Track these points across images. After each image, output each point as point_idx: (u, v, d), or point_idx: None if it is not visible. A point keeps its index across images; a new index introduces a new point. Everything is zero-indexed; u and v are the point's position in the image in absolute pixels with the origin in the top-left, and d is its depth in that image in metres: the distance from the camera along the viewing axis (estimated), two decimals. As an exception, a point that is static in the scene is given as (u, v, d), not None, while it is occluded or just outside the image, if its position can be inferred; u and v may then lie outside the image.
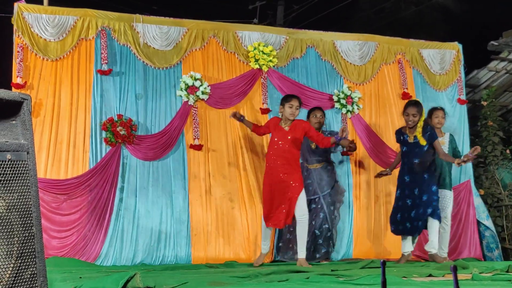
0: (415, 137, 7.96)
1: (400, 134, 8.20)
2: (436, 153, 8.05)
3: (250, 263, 8.20)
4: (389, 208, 9.35)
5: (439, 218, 7.93)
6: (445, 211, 8.39)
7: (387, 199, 9.53)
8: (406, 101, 9.78)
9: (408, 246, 8.14)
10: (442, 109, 8.87)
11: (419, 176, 7.93)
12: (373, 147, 9.62)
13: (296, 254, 7.71)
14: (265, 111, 9.18)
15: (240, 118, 7.97)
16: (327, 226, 8.52)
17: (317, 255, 8.53)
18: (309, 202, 8.27)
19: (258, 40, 9.28)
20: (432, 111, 8.78)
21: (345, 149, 8.76)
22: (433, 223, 7.90)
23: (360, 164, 9.58)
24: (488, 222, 9.97)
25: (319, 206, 8.46)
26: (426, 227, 8.00)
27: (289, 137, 7.59)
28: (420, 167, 7.93)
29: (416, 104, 8.13)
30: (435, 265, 7.07)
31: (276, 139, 7.67)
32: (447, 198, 8.47)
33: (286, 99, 7.72)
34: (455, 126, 10.15)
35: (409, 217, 7.91)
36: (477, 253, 9.63)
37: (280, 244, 8.66)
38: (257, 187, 8.89)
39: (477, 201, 10.01)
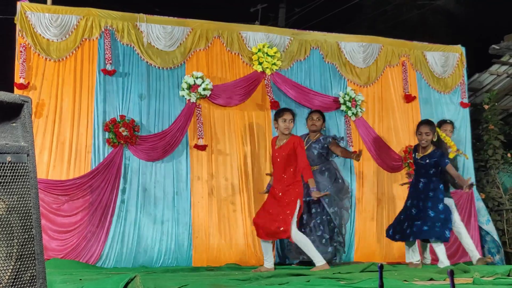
0: (423, 157, 7.93)
1: (414, 152, 8.19)
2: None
3: (251, 266, 8.19)
4: (391, 211, 9.36)
5: (444, 238, 7.85)
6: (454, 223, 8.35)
7: (390, 202, 9.53)
8: (409, 104, 9.83)
9: (416, 255, 8.15)
10: (451, 123, 8.87)
11: (425, 194, 7.90)
12: (376, 150, 9.61)
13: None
14: (274, 104, 9.13)
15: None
16: (333, 225, 8.42)
17: (336, 259, 8.42)
18: (308, 204, 8.18)
19: (263, 41, 9.27)
20: (440, 124, 8.75)
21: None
22: (436, 246, 7.87)
23: (362, 167, 9.56)
24: (488, 227, 9.95)
25: (318, 209, 8.34)
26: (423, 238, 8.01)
27: (279, 158, 7.39)
28: (425, 188, 7.92)
29: (429, 122, 8.07)
30: (436, 269, 7.06)
31: (272, 157, 7.58)
32: (451, 206, 8.43)
33: (278, 113, 7.48)
34: (458, 129, 10.14)
35: (412, 225, 7.87)
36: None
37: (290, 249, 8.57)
38: (259, 190, 8.88)
39: (478, 205, 10.00)
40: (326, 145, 8.43)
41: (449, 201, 8.35)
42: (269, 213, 7.25)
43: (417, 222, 7.79)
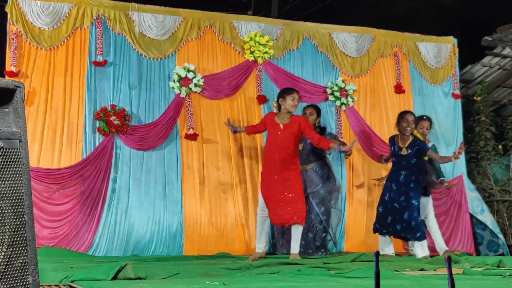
0: (406, 148, 7.96)
1: (392, 143, 8.20)
2: (433, 161, 8.16)
3: (242, 255, 8.20)
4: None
5: (423, 237, 7.93)
6: (428, 217, 8.39)
7: (380, 193, 9.52)
8: (400, 94, 9.82)
9: (391, 248, 8.21)
10: (428, 119, 8.86)
11: (405, 187, 7.94)
12: (366, 141, 9.62)
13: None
14: (261, 99, 9.16)
15: (233, 129, 7.94)
16: (321, 227, 8.43)
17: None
18: None
19: (255, 30, 9.24)
20: (417, 120, 8.76)
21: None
22: (418, 245, 7.93)
23: (353, 158, 9.57)
24: (483, 217, 9.98)
25: (307, 205, 8.31)
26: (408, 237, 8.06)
27: (284, 133, 7.37)
28: (407, 179, 7.95)
29: (412, 112, 8.24)
30: (427, 260, 7.09)
31: (272, 135, 7.46)
32: (429, 204, 8.46)
33: (286, 91, 7.50)
34: (449, 121, 10.17)
35: (401, 219, 7.90)
36: (469, 248, 9.65)
37: (281, 243, 8.59)
38: (250, 179, 8.89)
39: (472, 195, 10.03)
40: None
41: (427, 200, 8.37)
42: (281, 200, 7.33)
43: (404, 217, 7.83)
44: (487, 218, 10.03)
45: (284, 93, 7.50)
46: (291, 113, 7.46)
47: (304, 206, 7.40)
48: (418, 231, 7.81)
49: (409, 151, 7.94)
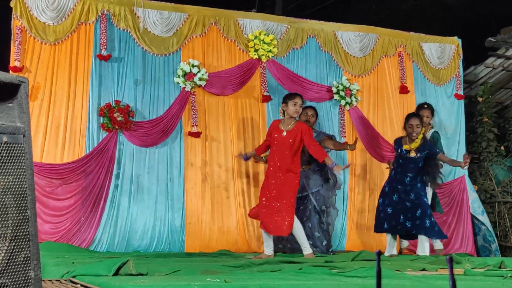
0: (415, 151, 7.89)
1: (398, 145, 8.07)
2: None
3: (243, 253, 8.21)
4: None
5: (436, 235, 7.92)
6: None
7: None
8: (403, 95, 9.81)
9: (395, 248, 8.23)
10: (429, 107, 8.81)
11: (411, 185, 7.91)
12: (369, 141, 9.61)
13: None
14: (266, 98, 9.17)
15: (245, 157, 7.95)
16: (324, 226, 8.40)
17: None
18: (298, 200, 7.97)
19: (259, 28, 9.23)
20: (418, 109, 8.73)
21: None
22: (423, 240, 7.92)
23: (355, 157, 9.57)
24: (483, 218, 9.99)
25: (309, 206, 8.28)
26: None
27: (287, 140, 7.34)
28: (412, 181, 7.92)
29: (418, 115, 8.12)
30: (429, 260, 7.08)
31: (275, 142, 7.42)
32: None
33: (289, 96, 7.47)
34: (452, 121, 10.17)
35: (413, 217, 7.85)
36: (470, 249, 9.65)
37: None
38: (252, 177, 8.91)
39: (473, 196, 10.03)
40: (319, 141, 8.38)
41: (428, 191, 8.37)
42: (273, 208, 7.29)
43: (416, 216, 7.79)
44: (486, 220, 10.03)
45: (286, 98, 7.49)
46: (295, 119, 7.44)
47: (292, 215, 7.32)
48: (434, 228, 7.79)
49: (418, 154, 7.88)
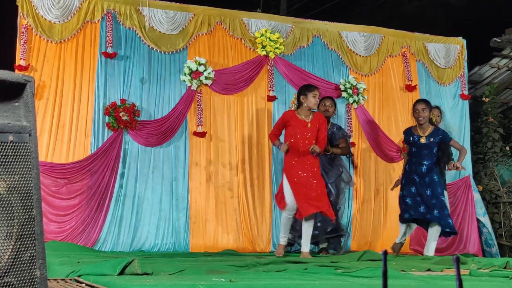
0: (427, 137, 7.89)
1: (409, 134, 8.08)
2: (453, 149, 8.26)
3: (248, 252, 8.21)
4: (389, 201, 9.35)
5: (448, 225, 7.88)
6: None
7: (387, 193, 9.51)
8: (410, 93, 9.81)
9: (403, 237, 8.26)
10: (437, 107, 8.96)
11: (429, 177, 7.89)
12: (375, 140, 9.61)
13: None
14: (271, 98, 9.15)
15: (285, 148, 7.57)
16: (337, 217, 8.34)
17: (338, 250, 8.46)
18: None
19: (265, 27, 9.23)
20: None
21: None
22: (436, 230, 7.88)
23: (361, 157, 9.57)
24: (485, 219, 9.96)
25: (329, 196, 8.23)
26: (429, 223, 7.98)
27: (312, 130, 7.37)
28: (429, 170, 7.89)
29: (424, 100, 8.20)
30: (435, 260, 7.07)
31: (296, 133, 7.38)
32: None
33: (308, 88, 7.44)
34: (457, 121, 10.16)
35: (432, 208, 7.83)
36: (476, 249, 9.62)
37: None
38: (257, 177, 8.90)
39: (476, 197, 10.01)
40: (337, 136, 8.36)
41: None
42: (312, 195, 7.30)
43: (434, 209, 7.79)
44: (487, 221, 10.01)
45: (306, 90, 7.45)
46: (311, 110, 7.48)
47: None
48: (446, 228, 7.79)
49: (431, 139, 7.88)
